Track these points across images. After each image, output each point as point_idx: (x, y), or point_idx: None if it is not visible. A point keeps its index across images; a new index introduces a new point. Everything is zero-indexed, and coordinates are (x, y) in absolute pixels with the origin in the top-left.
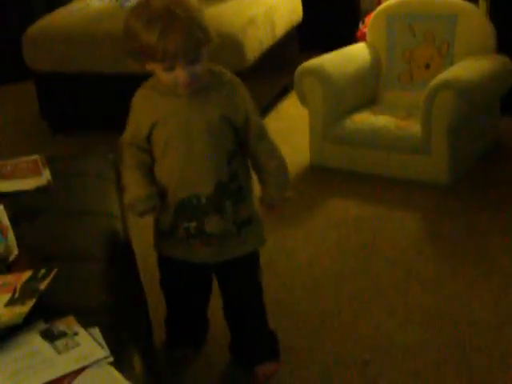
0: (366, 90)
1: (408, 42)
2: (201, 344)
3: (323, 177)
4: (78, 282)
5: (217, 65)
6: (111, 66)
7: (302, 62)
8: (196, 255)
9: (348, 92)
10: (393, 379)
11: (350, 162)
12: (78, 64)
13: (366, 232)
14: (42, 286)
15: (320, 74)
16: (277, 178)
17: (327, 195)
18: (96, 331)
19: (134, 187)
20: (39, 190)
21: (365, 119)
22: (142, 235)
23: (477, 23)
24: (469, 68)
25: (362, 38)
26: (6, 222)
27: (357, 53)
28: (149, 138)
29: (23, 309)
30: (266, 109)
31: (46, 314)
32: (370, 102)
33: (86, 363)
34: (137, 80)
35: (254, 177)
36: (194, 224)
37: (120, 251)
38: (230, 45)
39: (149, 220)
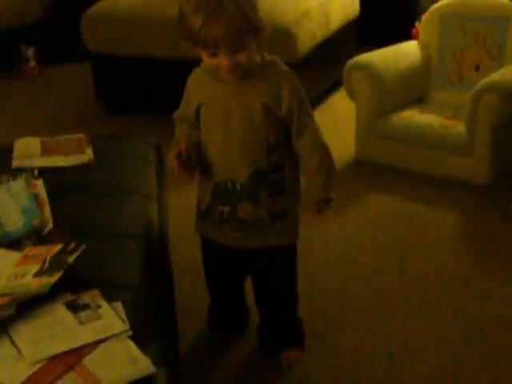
0: (415, 88)
1: (459, 42)
2: (241, 330)
3: (366, 171)
4: (108, 258)
5: (272, 55)
6: (167, 51)
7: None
8: (227, 238)
9: (396, 89)
10: (416, 371)
11: (394, 157)
12: (135, 47)
13: (402, 228)
14: (70, 259)
15: (369, 70)
16: (314, 177)
17: (368, 189)
18: (119, 305)
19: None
20: (80, 168)
21: (411, 116)
22: (178, 218)
23: None
24: None
25: (417, 37)
26: (44, 196)
27: (408, 50)
28: (197, 118)
29: (50, 280)
30: (316, 101)
31: (73, 286)
32: (418, 100)
33: (105, 335)
34: (191, 65)
35: None
36: (227, 208)
37: (152, 232)
38: (283, 36)
39: (186, 204)
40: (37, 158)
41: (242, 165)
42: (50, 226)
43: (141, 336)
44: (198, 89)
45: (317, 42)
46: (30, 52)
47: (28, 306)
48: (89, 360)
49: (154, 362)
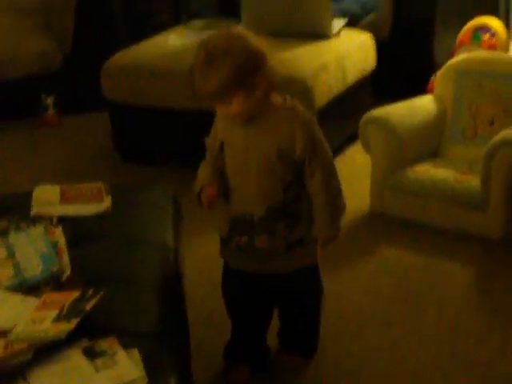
0: (430, 142)
1: (474, 97)
2: (259, 367)
3: (380, 224)
4: (125, 306)
5: (292, 99)
6: (184, 102)
7: (372, 111)
8: (245, 264)
9: (411, 143)
10: None
11: (409, 211)
12: (153, 98)
13: (417, 281)
14: (88, 306)
15: (384, 124)
16: (319, 215)
17: (382, 242)
18: (135, 352)
19: (202, 175)
20: (99, 216)
21: (426, 170)
22: (194, 267)
23: None
24: None
25: (432, 91)
26: (63, 243)
27: (423, 105)
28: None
29: (68, 326)
30: (333, 153)
31: (90, 332)
32: (433, 154)
33: (121, 382)
34: (207, 117)
35: None
36: (244, 239)
37: (169, 281)
38: (300, 89)
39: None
40: (56, 205)
41: (259, 200)
42: (68, 272)
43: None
44: (222, 126)
45: (333, 95)
46: (50, 101)
47: (45, 351)
48: None
49: None
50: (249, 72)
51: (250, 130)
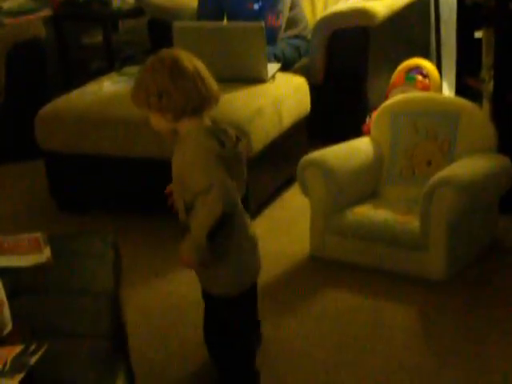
0: (368, 183)
1: (411, 138)
2: None
3: (321, 267)
4: (68, 359)
5: (194, 128)
6: (119, 151)
7: (308, 153)
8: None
9: (350, 185)
10: None
11: (350, 253)
12: (88, 146)
13: (360, 324)
14: (32, 360)
15: (322, 167)
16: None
17: (324, 286)
18: None
19: None
20: (38, 267)
21: (365, 212)
22: (136, 315)
23: (479, 123)
24: (469, 166)
25: (368, 132)
26: (3, 296)
27: (360, 147)
28: None
29: (12, 382)
30: (270, 198)
31: None
32: (372, 195)
33: None
34: (143, 164)
35: None
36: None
37: (110, 332)
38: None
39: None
40: None
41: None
42: (10, 327)
43: None
44: None
45: (270, 139)
46: None
47: None
48: None
49: None
50: (155, 95)
51: (173, 148)
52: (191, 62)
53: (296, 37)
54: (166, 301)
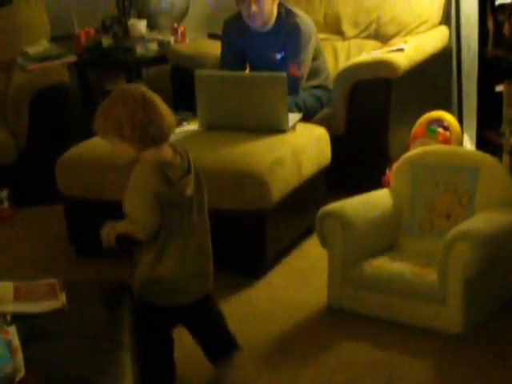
0: (386, 235)
1: (430, 191)
2: None
3: (338, 319)
4: None
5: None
6: None
7: (328, 204)
8: None
9: (368, 237)
10: None
11: (367, 305)
12: (107, 192)
13: (376, 377)
14: None
15: (340, 218)
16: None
17: (340, 337)
18: None
19: None
20: (53, 313)
21: (382, 265)
22: None
23: (498, 177)
24: (488, 220)
25: (388, 184)
26: (17, 342)
27: (379, 198)
28: None
29: None
30: (289, 247)
31: None
32: (390, 247)
33: None
34: None
35: None
36: None
37: (125, 381)
38: (256, 184)
39: None
40: (9, 303)
41: None
42: (22, 373)
43: None
44: None
45: (289, 189)
46: (4, 194)
47: None
48: None
49: None
50: (128, 126)
51: None
52: (154, 95)
53: (318, 87)
54: None
